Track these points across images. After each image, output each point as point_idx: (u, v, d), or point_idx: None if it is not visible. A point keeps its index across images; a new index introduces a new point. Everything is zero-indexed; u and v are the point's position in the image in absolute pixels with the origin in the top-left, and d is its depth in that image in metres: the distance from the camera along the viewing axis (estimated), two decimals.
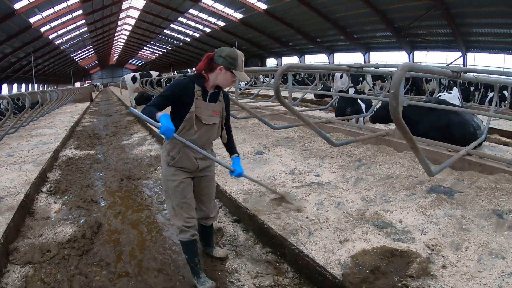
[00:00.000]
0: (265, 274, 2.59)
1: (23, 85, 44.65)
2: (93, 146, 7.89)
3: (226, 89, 2.84)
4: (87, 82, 73.01)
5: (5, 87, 38.74)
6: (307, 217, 3.04)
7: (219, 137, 2.59)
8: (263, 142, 5.90)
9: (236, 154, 2.65)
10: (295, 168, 4.36)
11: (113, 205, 4.19)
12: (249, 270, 2.66)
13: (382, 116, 5.84)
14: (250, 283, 2.51)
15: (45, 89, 40.87)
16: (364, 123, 6.93)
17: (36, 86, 42.23)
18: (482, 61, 24.27)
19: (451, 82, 14.16)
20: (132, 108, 2.23)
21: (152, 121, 2.15)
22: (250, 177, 3.08)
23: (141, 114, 2.18)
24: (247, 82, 17.18)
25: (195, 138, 2.38)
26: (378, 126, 6.41)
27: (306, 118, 3.50)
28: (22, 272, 2.77)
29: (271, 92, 11.42)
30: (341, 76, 13.26)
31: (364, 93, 8.02)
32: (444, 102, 5.73)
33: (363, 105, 7.10)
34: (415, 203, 3.25)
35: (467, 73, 4.16)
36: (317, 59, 37.62)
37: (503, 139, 7.54)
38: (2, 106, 12.85)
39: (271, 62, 43.76)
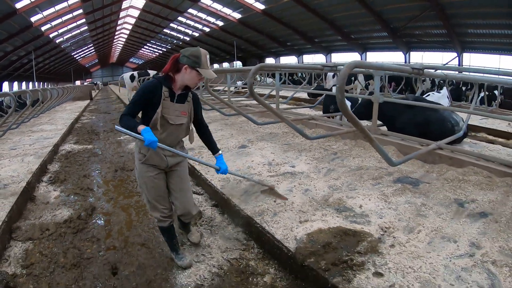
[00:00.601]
0: (234, 249, 2.97)
1: (23, 83, 45.04)
2: (91, 141, 8.30)
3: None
4: (87, 80, 73.31)
5: (5, 85, 39.14)
6: (274, 201, 3.42)
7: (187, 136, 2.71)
8: (248, 137, 6.30)
9: (219, 152, 2.77)
10: (273, 160, 4.76)
11: (107, 192, 4.61)
12: (220, 245, 3.04)
13: (361, 112, 6.20)
14: (219, 256, 2.89)
15: (45, 87, 41.31)
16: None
17: (36, 84, 42.62)
18: (478, 61, 24.53)
19: (441, 82, 14.53)
20: (118, 126, 2.37)
21: (137, 135, 2.27)
22: (236, 173, 3.28)
23: (126, 130, 2.31)
24: (243, 81, 17.56)
25: (163, 138, 2.47)
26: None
27: (281, 114, 3.89)
28: (23, 247, 3.16)
29: (266, 91, 11.80)
30: (334, 76, 13.63)
31: (347, 92, 8.36)
32: (423, 100, 6.07)
33: (349, 103, 7.46)
34: (378, 191, 3.55)
35: (437, 71, 4.50)
36: (315, 59, 37.95)
37: (490, 137, 7.83)
38: (4, 103, 13.23)
39: (269, 61, 44.14)
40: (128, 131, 2.30)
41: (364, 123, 6.62)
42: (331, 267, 2.37)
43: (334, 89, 7.93)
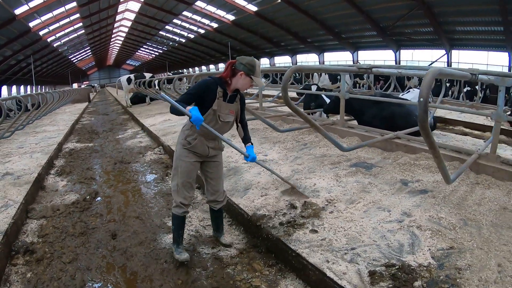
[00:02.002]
0: (208, 219, 3.60)
1: (21, 87, 45.59)
2: (92, 140, 9.04)
3: None
4: (84, 83, 73.79)
5: (4, 88, 39.68)
6: (244, 183, 4.15)
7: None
8: (232, 132, 6.96)
9: (249, 143, 3.00)
10: None
11: (108, 181, 5.36)
12: (198, 216, 3.78)
13: (331, 108, 6.86)
14: (197, 223, 3.63)
15: (43, 90, 41.88)
16: (327, 116, 7.99)
17: (34, 87, 43.25)
18: (466, 58, 24.94)
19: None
20: (163, 94, 2.65)
21: (185, 110, 2.48)
22: (263, 165, 3.47)
23: (175, 102, 2.51)
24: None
25: (210, 131, 2.74)
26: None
27: (252, 110, 4.59)
28: (38, 223, 3.86)
29: (254, 90, 12.50)
30: (320, 75, 14.39)
31: (325, 90, 9.02)
32: (389, 96, 6.76)
33: (328, 100, 8.15)
34: (333, 173, 4.20)
35: (380, 68, 5.14)
36: (308, 59, 38.59)
37: (466, 130, 8.40)
38: (5, 106, 13.89)
39: (264, 61, 44.68)
40: (177, 104, 2.50)
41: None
42: (278, 226, 3.09)
43: (313, 87, 8.66)
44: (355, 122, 6.51)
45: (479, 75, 3.37)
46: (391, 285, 2.20)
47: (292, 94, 14.78)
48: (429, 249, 2.53)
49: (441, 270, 2.30)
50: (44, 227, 3.75)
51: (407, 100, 7.00)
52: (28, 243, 3.34)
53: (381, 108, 6.27)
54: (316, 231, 2.93)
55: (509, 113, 5.51)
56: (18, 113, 10.60)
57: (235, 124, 2.99)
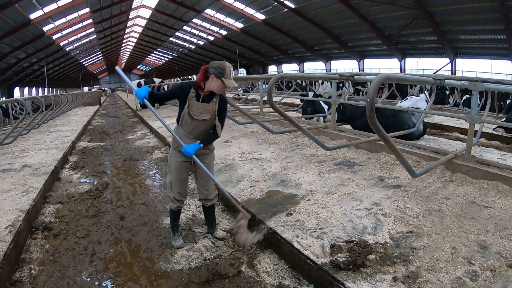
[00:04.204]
0: None
1: (33, 89, 46.72)
2: (103, 140, 9.66)
3: None
4: (95, 86, 74.98)
5: (17, 90, 40.75)
6: (237, 176, 4.65)
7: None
8: (233, 134, 7.53)
9: (198, 142, 3.01)
10: (246, 150, 5.98)
11: (118, 174, 5.91)
12: (196, 203, 4.24)
13: (339, 118, 7.15)
14: (194, 209, 4.12)
15: (55, 92, 42.85)
16: (324, 122, 8.44)
17: (46, 90, 44.37)
18: (470, 66, 25.19)
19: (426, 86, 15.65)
20: (117, 67, 3.15)
21: (132, 85, 3.14)
22: (197, 161, 3.06)
23: (128, 80, 3.29)
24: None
25: (191, 130, 3.03)
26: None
27: (245, 111, 5.09)
28: (55, 207, 4.39)
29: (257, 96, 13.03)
30: (322, 83, 14.87)
31: (321, 96, 9.44)
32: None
33: (325, 107, 8.60)
34: (317, 170, 4.64)
35: (362, 76, 5.57)
36: (315, 66, 39.17)
37: (461, 136, 8.53)
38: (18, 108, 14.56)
39: (272, 69, 45.30)
40: (128, 81, 3.35)
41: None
42: (260, 211, 3.56)
43: (310, 94, 9.14)
44: (348, 127, 6.95)
45: (446, 80, 3.75)
46: (347, 256, 2.61)
47: (296, 100, 15.35)
48: (389, 232, 2.88)
49: (396, 248, 2.65)
50: (61, 210, 4.27)
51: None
52: (46, 222, 3.87)
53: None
54: (291, 214, 3.38)
55: (484, 117, 5.85)
56: (32, 113, 11.24)
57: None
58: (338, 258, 2.58)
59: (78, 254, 3.18)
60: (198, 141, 3.00)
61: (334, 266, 2.52)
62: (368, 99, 2.37)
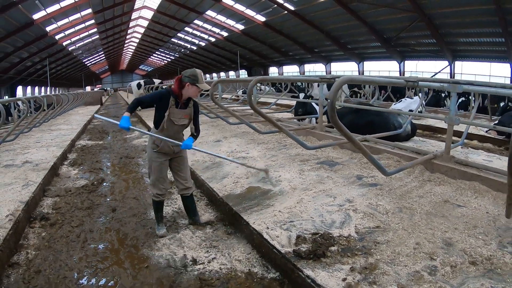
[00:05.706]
0: None
1: (36, 88, 47.07)
2: (102, 139, 10.00)
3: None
4: (97, 86, 75.21)
5: (19, 89, 41.10)
6: (223, 173, 4.94)
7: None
8: (225, 134, 7.84)
9: (191, 136, 3.43)
10: (235, 149, 6.27)
11: (113, 171, 6.24)
12: None
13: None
14: (180, 203, 4.22)
15: (57, 92, 43.26)
16: (316, 122, 8.70)
17: (48, 89, 44.76)
18: (469, 69, 25.20)
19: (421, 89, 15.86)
20: (96, 115, 3.65)
21: (112, 121, 3.46)
22: (199, 149, 3.80)
23: (107, 119, 3.58)
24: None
25: (171, 134, 3.34)
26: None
27: (233, 112, 5.39)
28: (52, 200, 4.71)
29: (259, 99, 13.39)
30: (318, 85, 15.13)
31: (312, 97, 9.69)
32: (367, 105, 7.45)
33: (317, 107, 8.84)
34: (299, 168, 4.88)
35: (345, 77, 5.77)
36: (315, 68, 39.33)
37: (455, 138, 8.83)
38: (21, 107, 14.88)
39: (273, 70, 45.50)
40: (108, 119, 3.59)
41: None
42: (238, 205, 3.82)
43: (301, 95, 9.41)
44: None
45: (421, 82, 3.88)
46: (310, 246, 2.82)
47: (294, 102, 15.64)
48: (356, 226, 3.06)
49: (360, 242, 2.83)
50: (58, 202, 4.58)
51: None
52: (44, 213, 4.19)
53: (359, 116, 6.99)
54: (266, 208, 3.64)
55: (471, 118, 6.05)
56: (34, 112, 11.56)
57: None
58: (301, 248, 2.79)
59: (71, 241, 3.49)
60: (192, 136, 3.44)
61: (296, 255, 2.73)
62: (329, 100, 2.64)
